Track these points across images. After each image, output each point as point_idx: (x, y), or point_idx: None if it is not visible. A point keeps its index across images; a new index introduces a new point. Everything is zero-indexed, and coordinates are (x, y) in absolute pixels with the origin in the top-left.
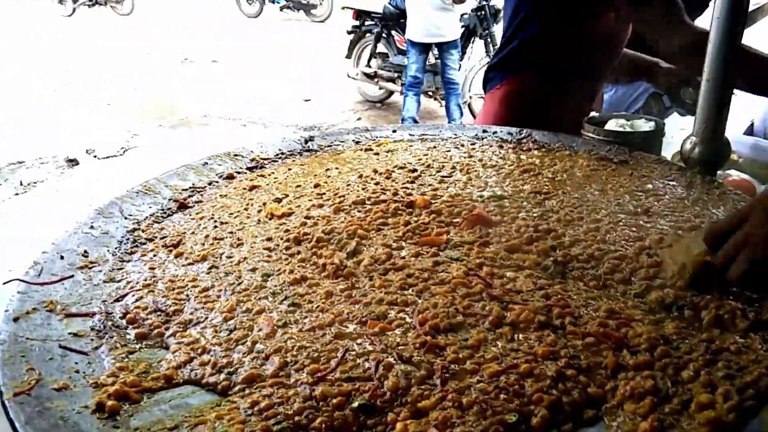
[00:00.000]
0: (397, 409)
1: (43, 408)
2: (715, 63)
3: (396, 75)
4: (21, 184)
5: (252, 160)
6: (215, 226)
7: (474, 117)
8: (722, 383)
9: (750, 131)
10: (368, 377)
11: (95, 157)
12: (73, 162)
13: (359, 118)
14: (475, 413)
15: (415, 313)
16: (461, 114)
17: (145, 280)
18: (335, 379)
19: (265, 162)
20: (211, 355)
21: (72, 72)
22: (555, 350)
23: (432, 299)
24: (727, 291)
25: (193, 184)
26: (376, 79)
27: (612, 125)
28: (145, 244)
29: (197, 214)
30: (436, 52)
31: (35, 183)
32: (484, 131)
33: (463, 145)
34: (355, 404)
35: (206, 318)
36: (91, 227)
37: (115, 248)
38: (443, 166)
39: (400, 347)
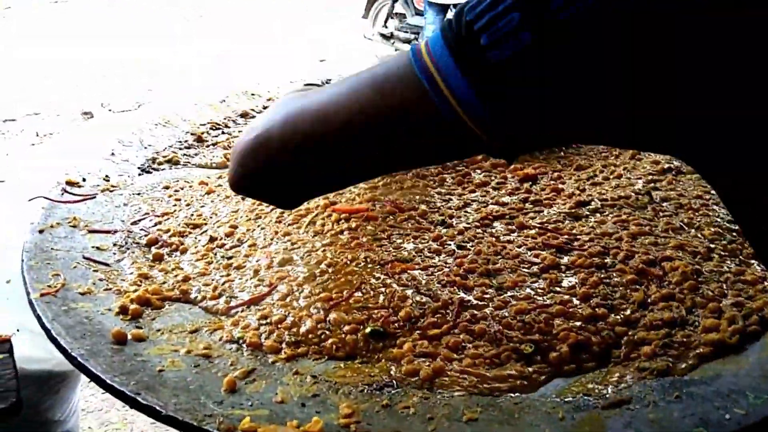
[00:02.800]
0: (407, 335)
1: (69, 308)
2: None
3: (413, 36)
4: (37, 135)
5: (269, 99)
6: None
7: None
8: (729, 310)
9: None
10: (382, 306)
11: (110, 110)
12: (88, 114)
13: None
14: (487, 340)
15: (454, 257)
16: None
17: (165, 208)
18: (348, 308)
19: None
20: (212, 279)
21: (84, 28)
22: (595, 291)
23: (477, 247)
24: None
25: (211, 119)
26: (392, 41)
27: None
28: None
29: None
30: None
31: (51, 134)
32: None
33: None
34: (368, 330)
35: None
36: (112, 154)
37: (137, 174)
38: None
39: (421, 285)
